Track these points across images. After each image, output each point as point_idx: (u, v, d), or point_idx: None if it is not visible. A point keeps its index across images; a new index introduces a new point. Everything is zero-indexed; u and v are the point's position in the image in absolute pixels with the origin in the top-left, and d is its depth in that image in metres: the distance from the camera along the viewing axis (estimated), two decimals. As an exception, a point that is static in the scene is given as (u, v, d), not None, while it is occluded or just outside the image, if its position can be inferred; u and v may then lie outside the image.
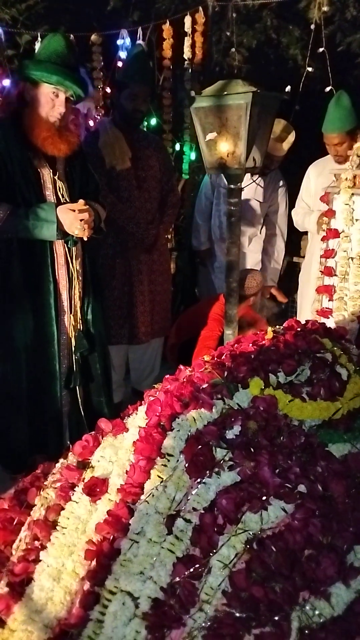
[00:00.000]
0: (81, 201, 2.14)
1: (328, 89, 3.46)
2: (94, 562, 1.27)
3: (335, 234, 2.41)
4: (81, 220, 2.11)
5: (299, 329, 1.87)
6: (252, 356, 1.68)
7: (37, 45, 3.26)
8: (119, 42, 3.55)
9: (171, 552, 1.24)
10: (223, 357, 1.73)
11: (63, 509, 1.39)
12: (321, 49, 3.53)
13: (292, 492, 1.37)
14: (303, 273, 3.44)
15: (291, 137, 3.43)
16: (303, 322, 1.99)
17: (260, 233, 3.78)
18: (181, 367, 1.74)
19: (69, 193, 2.22)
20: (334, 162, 3.02)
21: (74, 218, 2.11)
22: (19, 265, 2.17)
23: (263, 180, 3.54)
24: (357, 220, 2.35)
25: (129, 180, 2.91)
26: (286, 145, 3.42)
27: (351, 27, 3.94)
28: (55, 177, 2.19)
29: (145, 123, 3.77)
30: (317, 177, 3.20)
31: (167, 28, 3.69)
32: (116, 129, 2.91)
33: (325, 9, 3.58)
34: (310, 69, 3.64)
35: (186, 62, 3.83)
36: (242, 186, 2.44)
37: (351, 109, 2.88)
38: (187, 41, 3.76)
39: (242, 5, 3.94)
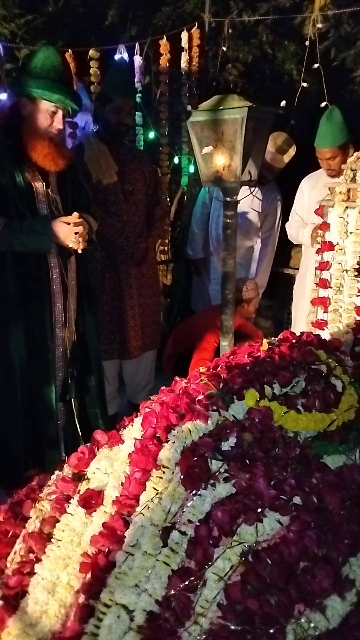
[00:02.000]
0: (75, 214, 2.16)
1: (323, 104, 3.51)
2: (88, 575, 1.27)
3: (329, 246, 2.43)
4: (75, 232, 2.13)
5: (294, 341, 1.88)
6: (248, 368, 1.69)
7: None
8: (117, 56, 3.59)
9: (166, 564, 1.24)
10: (219, 368, 1.74)
11: (58, 521, 1.38)
12: (316, 65, 3.58)
13: (287, 504, 1.37)
14: (298, 285, 3.46)
15: (292, 150, 3.49)
16: (298, 333, 2.00)
17: (257, 244, 3.81)
18: (177, 378, 1.74)
19: (62, 206, 2.25)
20: (327, 175, 3.05)
21: (68, 231, 2.13)
22: (14, 278, 2.18)
23: (260, 191, 3.58)
24: (351, 233, 2.38)
25: (116, 194, 2.92)
26: (287, 157, 3.47)
27: (345, 43, 3.99)
28: (48, 190, 2.21)
29: (142, 136, 3.81)
30: (310, 190, 3.23)
31: (164, 43, 3.74)
32: (101, 143, 2.92)
33: (319, 25, 3.64)
34: (305, 84, 3.70)
35: (183, 77, 3.88)
36: (239, 198, 2.46)
37: (343, 123, 2.93)
38: (184, 56, 3.81)
39: (238, 21, 4.00)
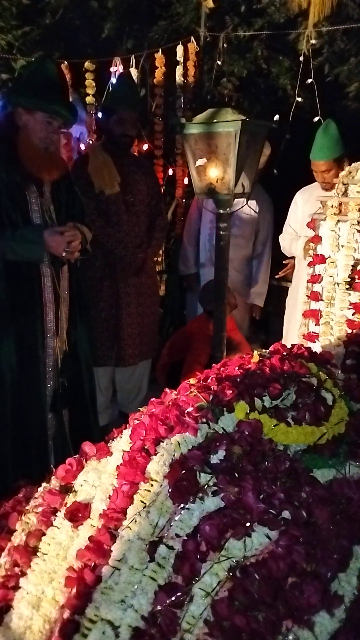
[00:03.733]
0: (69, 224, 2.17)
1: (316, 118, 3.55)
2: (74, 590, 1.25)
3: (321, 259, 2.44)
4: (68, 242, 2.13)
5: (284, 353, 1.88)
6: (238, 380, 1.69)
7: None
8: (112, 69, 3.63)
9: (153, 579, 1.22)
10: (209, 380, 1.74)
11: (44, 534, 1.36)
12: (310, 80, 3.63)
13: (276, 518, 1.36)
14: (290, 297, 3.47)
15: (267, 150, 3.51)
16: (289, 346, 2.00)
17: (252, 252, 3.82)
18: (167, 390, 1.74)
19: (55, 215, 2.25)
20: (321, 189, 3.08)
21: (61, 240, 2.13)
22: (5, 287, 2.18)
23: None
24: (342, 246, 2.39)
25: (118, 204, 2.95)
26: (262, 158, 3.49)
27: (339, 59, 4.05)
28: (42, 200, 2.22)
29: (137, 148, 3.84)
30: (304, 203, 3.26)
31: (159, 57, 3.78)
32: (106, 154, 2.96)
33: (313, 41, 3.69)
34: (299, 99, 3.74)
35: (178, 90, 3.92)
36: (233, 210, 2.48)
37: (338, 137, 2.97)
38: (179, 70, 3.85)
39: (233, 36, 4.05)
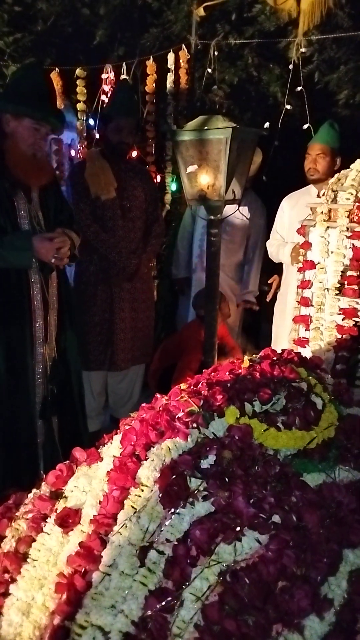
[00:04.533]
0: (58, 230, 2.17)
1: (306, 126, 3.58)
2: (64, 596, 1.25)
3: (311, 265, 2.46)
4: (58, 248, 2.14)
5: (274, 358, 1.89)
6: (229, 385, 1.69)
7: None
8: (104, 76, 3.65)
9: (143, 584, 1.22)
10: (199, 385, 1.74)
11: (34, 540, 1.36)
12: (299, 88, 3.66)
13: (266, 522, 1.36)
14: (279, 303, 3.50)
15: (258, 158, 3.58)
16: (279, 351, 2.01)
17: (244, 257, 3.84)
18: (157, 395, 1.74)
19: (44, 222, 2.25)
20: (308, 177, 3.16)
21: (50, 247, 2.14)
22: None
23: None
24: (332, 252, 2.41)
25: (114, 209, 2.97)
26: (253, 165, 3.53)
27: (329, 67, 4.09)
28: (30, 206, 2.22)
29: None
30: (291, 209, 3.31)
31: (150, 64, 3.80)
32: (103, 160, 2.99)
33: (303, 50, 3.72)
34: (289, 107, 3.77)
35: (169, 97, 3.94)
36: (224, 216, 2.49)
37: (339, 134, 3.17)
38: (170, 77, 3.88)
39: (224, 44, 4.08)
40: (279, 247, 3.29)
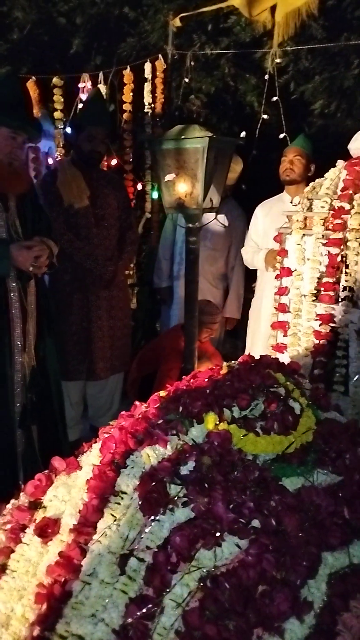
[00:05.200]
0: (36, 238, 2.17)
1: (282, 135, 3.63)
2: (44, 606, 1.24)
3: (288, 272, 2.49)
4: (36, 257, 2.13)
5: (253, 364, 1.91)
6: (207, 391, 1.70)
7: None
8: (81, 85, 3.66)
9: (124, 592, 1.22)
10: (179, 392, 1.75)
11: (13, 551, 1.35)
12: (275, 98, 3.72)
13: (245, 527, 1.37)
14: (253, 309, 3.52)
15: (238, 167, 3.63)
16: (257, 357, 2.03)
17: (226, 266, 3.86)
18: (137, 403, 1.74)
19: (21, 230, 2.25)
20: (283, 178, 3.26)
21: (28, 255, 2.13)
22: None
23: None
24: (308, 259, 2.45)
25: (87, 218, 2.96)
26: (233, 174, 3.58)
27: (304, 77, 4.17)
28: (8, 214, 2.22)
29: (106, 163, 3.87)
30: (264, 216, 3.36)
31: (128, 73, 3.83)
32: (74, 168, 2.98)
33: (278, 60, 3.79)
34: (265, 116, 3.82)
35: (146, 106, 3.97)
36: (202, 224, 2.52)
37: (312, 146, 3.33)
38: (147, 86, 3.91)
39: (200, 54, 4.13)
40: (253, 253, 3.33)
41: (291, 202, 3.27)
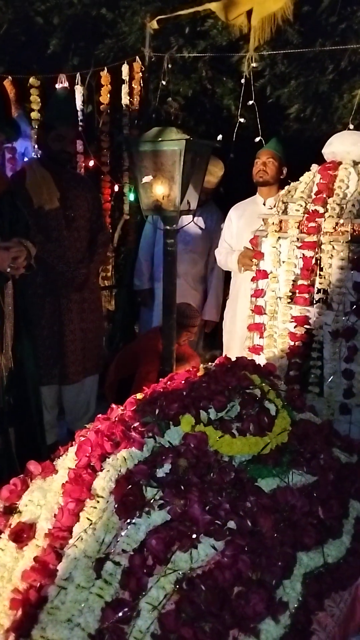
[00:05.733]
0: (14, 240, 2.15)
1: (257, 139, 3.66)
2: (19, 612, 1.23)
3: (264, 274, 2.52)
4: (14, 258, 2.11)
5: (229, 366, 1.92)
6: (184, 393, 1.71)
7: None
8: (57, 85, 3.63)
9: (100, 597, 1.22)
10: (155, 394, 1.75)
11: (-12, 557, 1.34)
12: (251, 102, 3.75)
13: (222, 528, 1.38)
14: (228, 310, 3.54)
15: (220, 171, 3.66)
16: (233, 358, 2.05)
17: (206, 268, 3.88)
18: (113, 406, 1.74)
19: None
20: (256, 179, 3.31)
21: (5, 256, 2.11)
22: None
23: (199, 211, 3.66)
24: (283, 262, 2.48)
25: (58, 220, 2.93)
26: (213, 178, 3.60)
27: (280, 81, 4.21)
28: None
29: (83, 164, 3.85)
30: (238, 219, 3.39)
31: (105, 75, 3.81)
32: (44, 169, 2.93)
33: (254, 64, 3.81)
34: (242, 120, 3.85)
35: (124, 108, 3.96)
36: (179, 226, 2.52)
37: (285, 150, 3.35)
38: (125, 88, 3.90)
39: (177, 56, 4.14)
40: (227, 255, 3.34)
41: (264, 204, 3.31)
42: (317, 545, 1.49)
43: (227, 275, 3.73)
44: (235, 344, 3.35)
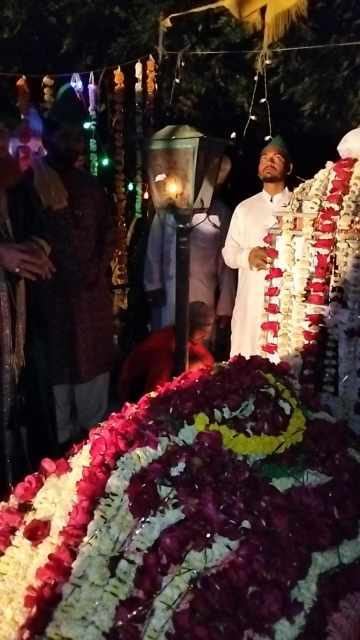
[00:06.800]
0: (32, 245, 2.14)
1: (267, 137, 3.64)
2: (34, 609, 1.23)
3: (278, 273, 2.50)
4: (23, 260, 2.11)
5: (243, 365, 1.91)
6: (198, 392, 1.70)
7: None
8: (72, 84, 3.64)
9: (114, 595, 1.22)
10: (169, 393, 1.75)
11: (3, 554, 1.34)
12: (263, 99, 3.73)
13: (236, 528, 1.38)
14: (238, 308, 3.52)
15: (227, 166, 3.65)
16: (247, 357, 2.03)
17: (217, 265, 3.87)
18: (127, 404, 1.74)
19: (12, 229, 2.22)
20: (263, 176, 3.30)
21: (15, 256, 2.11)
22: None
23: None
24: (298, 260, 2.46)
25: (67, 219, 2.93)
26: (222, 173, 3.59)
27: (294, 78, 4.18)
28: None
29: (97, 164, 3.86)
30: (245, 216, 3.38)
31: (118, 73, 3.82)
32: (51, 169, 2.93)
33: (268, 62, 3.79)
34: (254, 117, 3.83)
35: (137, 106, 3.97)
36: (193, 225, 2.52)
37: (289, 148, 3.34)
38: (138, 87, 3.90)
39: (191, 54, 4.13)
40: (235, 253, 3.32)
41: (271, 201, 3.30)
42: (332, 546, 1.47)
43: (236, 271, 3.73)
44: (246, 341, 3.33)
